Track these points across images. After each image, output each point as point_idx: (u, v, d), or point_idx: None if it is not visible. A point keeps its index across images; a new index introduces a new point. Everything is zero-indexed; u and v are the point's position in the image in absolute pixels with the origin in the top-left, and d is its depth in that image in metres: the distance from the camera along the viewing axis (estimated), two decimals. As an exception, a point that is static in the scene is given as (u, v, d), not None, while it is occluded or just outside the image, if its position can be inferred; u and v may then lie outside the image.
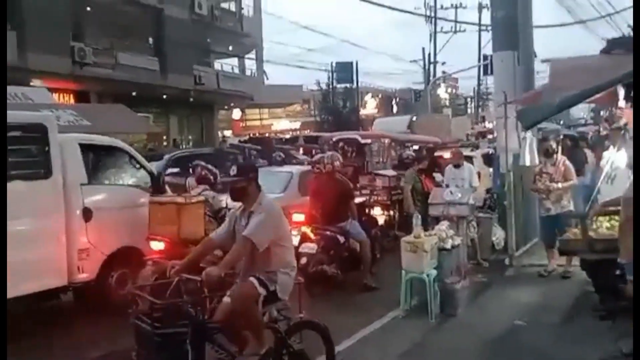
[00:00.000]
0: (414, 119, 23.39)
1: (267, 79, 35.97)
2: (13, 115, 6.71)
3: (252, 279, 3.95)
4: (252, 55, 33.36)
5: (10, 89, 15.26)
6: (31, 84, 17.22)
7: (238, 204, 4.28)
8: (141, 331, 3.99)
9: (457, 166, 8.75)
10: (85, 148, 6.62)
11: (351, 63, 38.15)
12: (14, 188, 5.83)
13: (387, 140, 16.07)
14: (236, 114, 36.44)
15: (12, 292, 5.59)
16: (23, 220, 5.84)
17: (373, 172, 11.11)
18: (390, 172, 10.78)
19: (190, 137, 28.09)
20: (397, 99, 44.82)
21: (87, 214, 6.36)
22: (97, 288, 6.44)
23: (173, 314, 3.90)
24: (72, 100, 19.42)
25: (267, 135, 30.17)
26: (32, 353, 5.47)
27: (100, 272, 6.45)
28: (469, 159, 10.22)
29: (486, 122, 33.87)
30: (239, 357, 3.98)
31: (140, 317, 4.04)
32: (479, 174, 9.53)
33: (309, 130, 32.97)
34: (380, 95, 42.95)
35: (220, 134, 31.46)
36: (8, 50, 17.44)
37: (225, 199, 7.20)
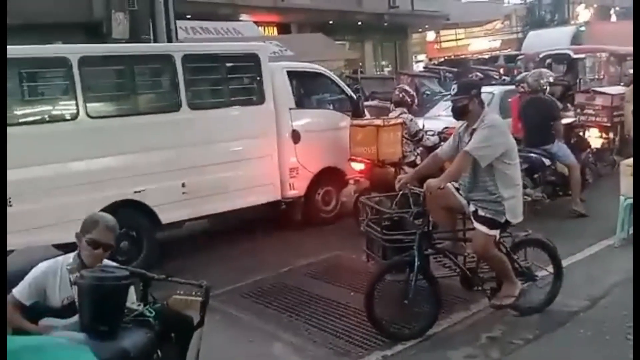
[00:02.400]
0: (582, 28, 19.98)
1: (464, -5, 33.95)
2: (231, 47, 7.41)
3: (480, 226, 3.93)
4: (449, -30, 31.56)
5: (222, 24, 16.85)
6: (239, 18, 18.68)
7: (452, 122, 4.32)
8: (372, 237, 4.57)
9: None
10: (292, 75, 7.08)
11: (560, -31, 34.01)
12: (234, 113, 6.56)
13: (604, 55, 14.23)
14: (430, 36, 35.20)
15: (236, 204, 6.45)
16: (242, 142, 6.53)
17: (592, 89, 9.79)
18: (614, 90, 9.43)
19: (383, 63, 28.09)
20: (617, 8, 38.95)
21: (295, 136, 6.89)
22: (306, 203, 7.05)
23: (400, 223, 4.29)
24: (275, 32, 20.65)
25: (463, 56, 28.75)
26: (260, 252, 6.27)
27: (307, 189, 7.03)
28: None
29: None
30: (494, 299, 4.13)
31: (371, 225, 4.56)
32: None
33: (510, 49, 30.66)
34: (595, 5, 37.76)
35: (414, 58, 30.89)
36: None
37: (421, 122, 7.23)
